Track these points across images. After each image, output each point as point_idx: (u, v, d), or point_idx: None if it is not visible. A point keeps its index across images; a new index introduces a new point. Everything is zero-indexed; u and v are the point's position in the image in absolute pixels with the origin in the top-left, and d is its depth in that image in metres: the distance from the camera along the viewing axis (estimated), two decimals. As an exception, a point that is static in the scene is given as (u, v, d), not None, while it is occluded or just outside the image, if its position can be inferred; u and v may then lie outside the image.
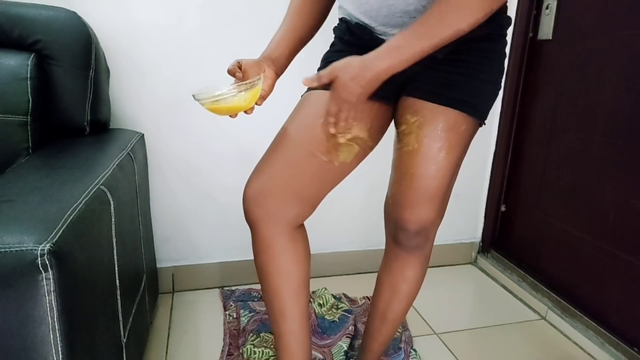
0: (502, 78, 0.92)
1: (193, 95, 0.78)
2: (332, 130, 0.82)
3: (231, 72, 0.84)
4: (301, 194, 0.88)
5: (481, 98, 0.89)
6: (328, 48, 1.01)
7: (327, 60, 0.98)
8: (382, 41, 0.88)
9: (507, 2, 0.85)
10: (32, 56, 1.06)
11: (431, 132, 0.86)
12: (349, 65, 0.76)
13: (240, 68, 0.84)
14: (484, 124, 0.93)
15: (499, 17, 0.87)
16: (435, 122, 0.86)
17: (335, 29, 1.00)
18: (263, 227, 0.88)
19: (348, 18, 0.94)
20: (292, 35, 0.93)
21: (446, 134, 0.86)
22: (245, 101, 0.81)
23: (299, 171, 0.86)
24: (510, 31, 1.66)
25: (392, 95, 0.91)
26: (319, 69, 0.98)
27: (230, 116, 0.86)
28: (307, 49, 0.98)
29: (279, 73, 0.91)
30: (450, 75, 0.86)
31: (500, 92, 1.75)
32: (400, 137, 0.92)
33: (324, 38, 1.01)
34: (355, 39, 0.92)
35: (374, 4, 0.84)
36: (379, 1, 0.83)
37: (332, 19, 1.00)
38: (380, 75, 0.75)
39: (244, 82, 0.79)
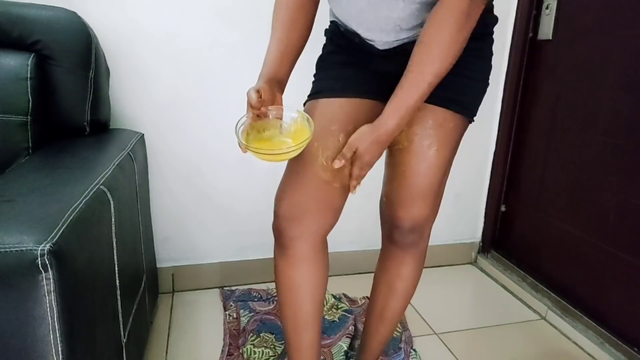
0: (489, 75, 0.93)
1: (239, 142, 0.76)
2: (354, 192, 0.89)
3: (256, 107, 0.79)
4: (334, 206, 0.88)
5: (469, 96, 0.90)
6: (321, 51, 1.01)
7: (322, 63, 0.98)
8: (369, 45, 0.90)
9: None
10: (32, 56, 1.06)
11: (420, 130, 0.87)
12: (364, 134, 0.82)
13: (260, 97, 0.81)
14: (473, 121, 0.94)
15: (485, 16, 0.87)
16: (424, 121, 0.87)
17: (326, 31, 1.00)
18: (299, 243, 0.87)
19: (338, 22, 0.94)
20: (292, 52, 0.90)
21: (435, 131, 0.87)
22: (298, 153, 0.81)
23: (329, 184, 0.86)
24: (510, 31, 1.69)
25: (386, 91, 0.91)
26: (314, 75, 0.99)
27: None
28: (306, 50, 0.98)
29: (282, 93, 0.89)
30: None
31: (500, 92, 1.76)
32: None
33: (318, 39, 1.01)
34: (346, 41, 0.93)
35: (359, 11, 0.85)
36: (365, 6, 0.83)
37: (322, 21, 1.00)
38: (391, 134, 0.81)
39: (303, 142, 0.77)
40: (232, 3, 1.44)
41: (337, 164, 0.84)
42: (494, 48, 0.94)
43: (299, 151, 0.78)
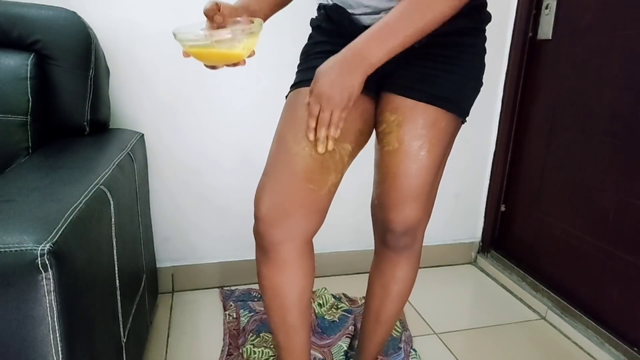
0: (483, 74, 0.90)
1: (174, 34, 0.69)
2: (311, 136, 0.77)
3: (209, 14, 0.75)
4: (319, 207, 0.83)
5: (461, 94, 0.87)
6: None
7: (306, 54, 0.94)
8: (361, 26, 0.85)
9: None
10: (31, 56, 1.06)
11: (411, 131, 0.84)
12: (330, 58, 0.74)
13: (219, 10, 0.77)
14: (465, 121, 0.91)
15: (480, 11, 0.86)
16: (415, 120, 0.84)
17: (312, 20, 0.96)
18: (283, 247, 0.82)
19: (325, 2, 0.90)
20: None
21: (426, 131, 0.84)
22: (245, 49, 0.73)
23: (313, 184, 0.81)
24: (509, 31, 1.69)
25: (374, 86, 0.88)
26: (297, 66, 0.94)
27: (211, 67, 0.79)
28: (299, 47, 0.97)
29: (252, 18, 0.85)
30: (429, 71, 0.84)
31: (500, 92, 1.76)
32: (380, 137, 0.89)
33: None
34: (334, 25, 0.89)
35: None
36: None
37: (310, 12, 0.99)
38: (365, 63, 0.72)
39: (244, 26, 0.72)
40: (232, 2, 1.43)
41: (307, 99, 0.76)
42: (493, 47, 0.92)
43: (244, 41, 0.71)
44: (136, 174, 1.16)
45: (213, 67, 0.81)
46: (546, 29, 1.58)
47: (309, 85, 0.83)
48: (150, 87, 1.43)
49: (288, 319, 0.89)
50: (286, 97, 0.92)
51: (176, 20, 1.40)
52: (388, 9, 0.81)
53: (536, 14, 1.62)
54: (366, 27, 0.82)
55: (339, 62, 0.73)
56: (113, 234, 0.86)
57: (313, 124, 0.77)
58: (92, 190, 0.77)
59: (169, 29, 1.39)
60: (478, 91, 0.91)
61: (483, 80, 0.92)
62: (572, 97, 1.50)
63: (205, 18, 0.78)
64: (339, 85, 0.72)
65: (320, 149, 0.78)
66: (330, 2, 0.88)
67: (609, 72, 1.36)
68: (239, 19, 0.79)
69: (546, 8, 1.58)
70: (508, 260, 1.79)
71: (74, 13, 1.13)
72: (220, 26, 0.77)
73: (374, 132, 0.93)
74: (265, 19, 0.88)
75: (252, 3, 0.86)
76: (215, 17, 0.76)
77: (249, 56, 0.79)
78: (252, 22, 0.76)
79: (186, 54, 0.76)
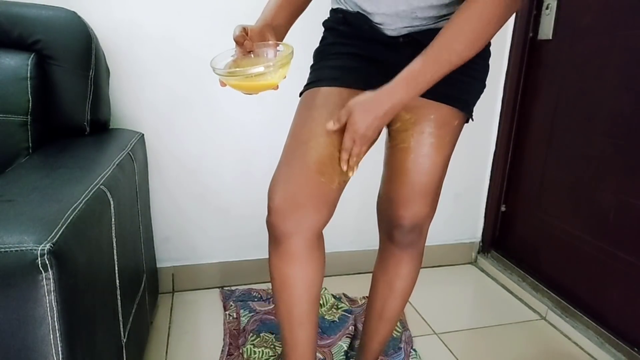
0: (487, 76, 0.93)
1: (212, 68, 0.73)
2: (344, 166, 0.83)
3: (239, 41, 0.79)
4: (329, 200, 0.85)
5: (470, 94, 0.91)
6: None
7: (321, 54, 0.95)
8: (381, 32, 0.87)
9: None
10: (32, 56, 1.06)
11: (425, 129, 0.87)
12: (365, 99, 0.77)
13: (246, 34, 0.81)
14: (473, 120, 0.94)
15: None
16: (428, 118, 0.87)
17: (325, 22, 0.97)
18: (293, 239, 0.83)
19: (345, 8, 0.92)
20: (290, 4, 0.90)
21: (438, 130, 0.87)
22: (279, 78, 0.77)
23: (325, 177, 0.83)
24: (510, 31, 1.69)
25: None
26: (311, 66, 0.96)
27: (248, 93, 0.83)
28: (309, 49, 0.98)
29: (278, 42, 0.89)
30: None
31: (500, 92, 1.76)
32: (394, 135, 0.92)
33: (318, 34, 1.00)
34: (352, 29, 0.90)
35: None
36: None
37: (322, 13, 0.99)
38: (396, 106, 0.77)
39: (279, 58, 0.76)
40: (232, 3, 1.44)
41: (330, 125, 0.81)
42: (494, 47, 0.94)
43: (279, 71, 0.75)
44: (136, 174, 1.16)
45: (249, 94, 0.86)
46: (547, 29, 1.58)
47: (324, 85, 0.88)
48: (150, 87, 1.43)
49: (294, 311, 0.90)
50: (300, 95, 0.94)
51: (176, 20, 1.41)
52: (409, 27, 0.85)
53: (537, 14, 1.62)
54: (388, 37, 0.87)
55: (374, 104, 0.77)
56: (113, 234, 0.86)
57: (347, 157, 0.82)
58: (92, 190, 0.77)
59: (170, 30, 1.41)
60: (482, 93, 0.94)
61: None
62: (572, 97, 1.50)
63: (235, 44, 0.81)
64: (373, 126, 0.78)
65: (351, 174, 0.85)
66: (352, 10, 0.90)
67: (610, 72, 1.36)
68: (267, 43, 0.83)
69: (547, 8, 1.58)
70: (508, 261, 1.79)
71: (74, 13, 1.13)
72: (250, 50, 0.81)
73: (386, 129, 0.94)
74: (285, 32, 0.91)
75: (273, 20, 0.88)
76: (245, 43, 0.80)
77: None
78: (278, 45, 0.81)
79: (223, 84, 0.80)
